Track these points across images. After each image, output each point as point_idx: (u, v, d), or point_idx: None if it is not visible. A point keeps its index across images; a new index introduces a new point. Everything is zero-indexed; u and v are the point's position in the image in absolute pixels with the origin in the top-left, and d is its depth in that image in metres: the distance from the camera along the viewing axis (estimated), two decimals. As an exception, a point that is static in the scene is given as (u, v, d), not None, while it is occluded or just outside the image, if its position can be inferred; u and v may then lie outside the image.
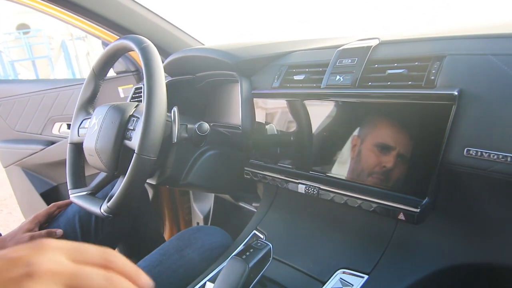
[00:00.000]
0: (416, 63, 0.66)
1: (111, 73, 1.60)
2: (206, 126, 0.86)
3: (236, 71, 0.95)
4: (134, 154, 0.76)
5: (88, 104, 1.04)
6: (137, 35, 0.85)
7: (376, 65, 0.71)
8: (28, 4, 1.37)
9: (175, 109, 0.85)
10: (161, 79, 0.77)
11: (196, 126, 0.86)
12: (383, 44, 0.75)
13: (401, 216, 0.61)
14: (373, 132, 0.70)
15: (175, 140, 0.83)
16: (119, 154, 0.84)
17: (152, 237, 1.37)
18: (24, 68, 10.99)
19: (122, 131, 0.84)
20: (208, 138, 0.94)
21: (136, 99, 1.29)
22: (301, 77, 0.83)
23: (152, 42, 1.37)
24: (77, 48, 9.68)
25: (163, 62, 1.13)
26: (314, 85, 0.80)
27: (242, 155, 0.96)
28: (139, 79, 1.56)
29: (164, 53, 1.35)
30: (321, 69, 0.80)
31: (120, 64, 1.55)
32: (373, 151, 0.68)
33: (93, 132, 0.88)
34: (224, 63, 0.94)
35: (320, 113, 0.79)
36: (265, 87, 0.90)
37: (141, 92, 1.29)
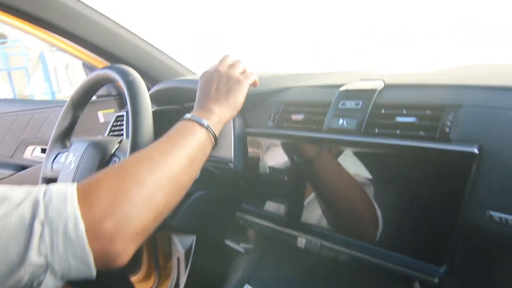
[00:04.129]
0: (427, 111, 0.61)
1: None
2: None
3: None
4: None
5: (65, 136, 0.95)
6: (123, 66, 0.78)
7: (383, 110, 0.66)
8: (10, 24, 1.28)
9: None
10: (148, 118, 0.70)
11: None
12: (389, 87, 0.70)
13: (417, 286, 0.55)
14: (381, 185, 0.64)
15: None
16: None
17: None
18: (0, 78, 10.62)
19: (102, 172, 0.75)
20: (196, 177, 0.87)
21: (117, 129, 1.21)
22: (299, 116, 0.77)
23: (139, 68, 1.31)
24: (56, 60, 9.46)
25: (149, 90, 1.06)
26: (314, 127, 0.74)
27: (233, 197, 0.88)
28: (122, 104, 1.48)
29: (151, 80, 1.28)
30: (321, 109, 0.75)
31: (105, 86, 1.47)
32: (383, 208, 0.63)
33: (69, 171, 0.80)
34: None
35: (321, 156, 0.73)
36: (260, 126, 0.84)
37: (123, 121, 1.21)
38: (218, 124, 0.63)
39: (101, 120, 1.51)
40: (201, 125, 0.60)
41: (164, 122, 1.15)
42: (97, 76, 0.84)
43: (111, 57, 1.25)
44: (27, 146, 1.68)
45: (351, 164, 0.68)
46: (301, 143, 0.75)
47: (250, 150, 0.85)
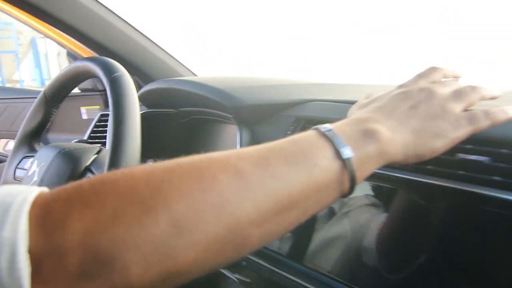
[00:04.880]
0: (504, 150, 0.46)
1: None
2: None
3: (234, 116, 0.73)
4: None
5: (33, 137, 0.79)
6: (108, 59, 0.62)
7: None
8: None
9: (151, 161, 0.62)
10: (135, 127, 0.54)
11: None
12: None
13: None
14: (431, 239, 0.50)
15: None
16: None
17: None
18: (-13, 61, 10.33)
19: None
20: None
21: (100, 130, 1.04)
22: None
23: (130, 62, 1.14)
24: (48, 47, 9.21)
25: (140, 89, 0.90)
26: (343, 153, 0.59)
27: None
28: (107, 100, 1.31)
29: (144, 78, 1.12)
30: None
31: (86, 81, 1.30)
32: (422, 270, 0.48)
33: (31, 183, 0.63)
34: (219, 103, 0.72)
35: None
36: (272, 144, 0.68)
37: (107, 121, 1.05)
38: (373, 160, 0.36)
39: (84, 116, 1.34)
40: (340, 152, 0.33)
41: (154, 128, 1.00)
42: (76, 69, 0.68)
43: (100, 48, 1.09)
44: (0, 139, 1.51)
45: (389, 207, 0.54)
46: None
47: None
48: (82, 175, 0.60)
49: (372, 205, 0.56)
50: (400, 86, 0.45)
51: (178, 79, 0.79)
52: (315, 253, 0.62)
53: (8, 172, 0.77)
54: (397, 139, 0.37)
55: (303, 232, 0.65)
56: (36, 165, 0.65)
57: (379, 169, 0.53)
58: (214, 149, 0.93)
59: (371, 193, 0.56)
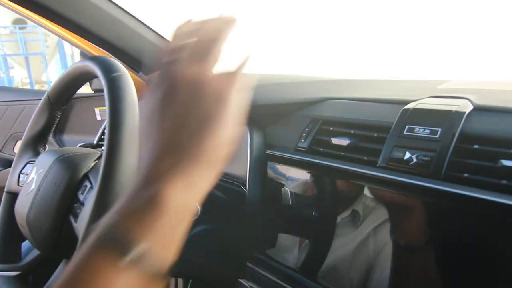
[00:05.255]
0: (557, 156, 0.39)
1: (88, 90, 1.33)
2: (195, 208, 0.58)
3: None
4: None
5: (38, 141, 0.75)
6: (108, 58, 0.58)
7: (477, 146, 0.44)
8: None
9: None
10: (132, 132, 0.49)
11: None
12: (481, 111, 0.48)
13: None
14: (464, 258, 0.43)
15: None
16: (61, 234, 0.56)
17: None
18: (17, 63, 10.67)
19: (68, 202, 0.55)
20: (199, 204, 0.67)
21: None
22: (343, 141, 0.56)
23: (142, 60, 1.10)
24: (74, 48, 9.41)
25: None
26: (365, 158, 0.53)
27: (245, 238, 0.67)
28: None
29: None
30: (376, 134, 0.54)
31: (97, 80, 1.27)
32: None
33: (29, 192, 0.60)
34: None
35: (373, 203, 0.51)
36: (286, 147, 0.63)
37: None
38: (169, 234, 0.27)
39: (98, 117, 1.32)
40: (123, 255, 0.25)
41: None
42: (77, 69, 0.65)
43: (111, 48, 1.05)
44: (17, 141, 1.51)
45: (420, 221, 0.47)
46: (344, 180, 0.54)
47: (271, 178, 0.64)
48: (80, 182, 0.56)
49: (395, 221, 0.49)
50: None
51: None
52: (331, 271, 0.56)
53: (13, 178, 0.75)
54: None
55: (320, 250, 0.59)
56: (35, 171, 0.61)
57: (411, 180, 0.47)
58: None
59: (395, 208, 0.49)
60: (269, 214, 0.64)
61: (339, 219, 0.56)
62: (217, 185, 0.84)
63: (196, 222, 0.67)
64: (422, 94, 0.61)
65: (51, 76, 10.10)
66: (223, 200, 0.73)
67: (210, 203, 0.72)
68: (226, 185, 0.81)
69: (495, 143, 0.43)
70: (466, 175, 0.43)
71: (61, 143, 1.37)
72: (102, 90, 1.30)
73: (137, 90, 0.55)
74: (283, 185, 0.62)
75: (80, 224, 0.51)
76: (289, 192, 0.63)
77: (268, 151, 0.63)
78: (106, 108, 0.52)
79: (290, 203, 0.62)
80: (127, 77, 0.55)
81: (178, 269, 0.65)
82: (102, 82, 0.55)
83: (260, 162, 0.64)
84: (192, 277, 0.74)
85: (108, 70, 0.55)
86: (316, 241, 0.59)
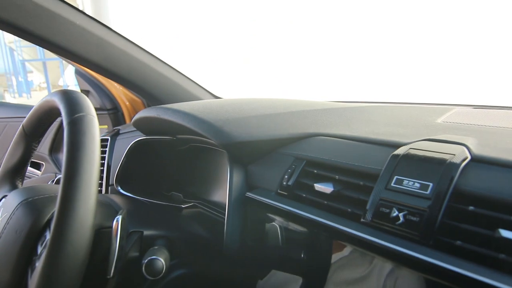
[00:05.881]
0: None
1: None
2: (159, 264, 0.53)
3: (226, 153, 0.63)
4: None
5: (15, 174, 0.72)
6: (75, 95, 0.54)
7: (472, 208, 0.38)
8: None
9: (119, 218, 0.53)
10: (89, 184, 0.45)
11: (145, 262, 0.53)
12: (480, 163, 0.42)
13: None
14: None
15: (111, 275, 0.51)
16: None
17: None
18: (35, 68, 10.91)
19: (27, 253, 0.51)
20: (175, 248, 0.62)
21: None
22: (327, 188, 0.50)
23: (140, 86, 1.06)
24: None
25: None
26: (349, 210, 0.47)
27: (227, 280, 0.63)
28: (117, 119, 1.25)
29: (152, 100, 1.05)
30: (362, 182, 0.48)
31: (94, 99, 1.25)
32: None
33: (-9, 238, 0.56)
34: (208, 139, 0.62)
35: (355, 263, 0.46)
36: (267, 189, 0.57)
37: (106, 146, 0.98)
38: None
39: (93, 136, 1.29)
40: None
41: (152, 156, 0.92)
42: (46, 104, 0.61)
43: (99, 68, 1.02)
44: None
45: (382, 283, 0.41)
46: (326, 235, 0.49)
47: (251, 220, 0.59)
48: (41, 231, 0.52)
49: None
50: None
51: (166, 107, 0.69)
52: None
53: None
54: None
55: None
56: (0, 214, 0.58)
57: (396, 247, 0.41)
58: (215, 178, 0.83)
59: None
60: (249, 258, 0.59)
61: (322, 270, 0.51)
62: (199, 213, 0.79)
63: (174, 267, 0.62)
64: (417, 131, 0.55)
65: (67, 80, 10.28)
66: (206, 239, 0.68)
67: (193, 243, 0.68)
68: (214, 210, 0.76)
69: (494, 207, 0.37)
70: (458, 243, 0.38)
71: (57, 162, 1.35)
72: (97, 109, 1.27)
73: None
74: (263, 231, 0.57)
75: (32, 283, 0.47)
76: (279, 230, 0.58)
77: (248, 194, 0.58)
78: (64, 153, 0.48)
79: (280, 242, 0.57)
80: (91, 119, 0.50)
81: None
82: (63, 121, 0.51)
83: (239, 203, 0.59)
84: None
85: (70, 110, 0.51)
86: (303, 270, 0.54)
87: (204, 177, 0.87)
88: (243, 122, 0.62)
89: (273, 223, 0.58)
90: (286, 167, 0.56)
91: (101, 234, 0.53)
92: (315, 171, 0.54)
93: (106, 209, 0.58)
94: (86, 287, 0.48)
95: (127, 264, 0.55)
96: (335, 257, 0.59)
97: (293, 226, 0.55)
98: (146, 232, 0.60)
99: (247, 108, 0.67)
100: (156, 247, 0.55)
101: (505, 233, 0.35)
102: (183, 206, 0.85)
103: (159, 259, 0.52)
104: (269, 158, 0.60)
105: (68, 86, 10.44)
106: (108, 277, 0.50)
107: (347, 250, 0.59)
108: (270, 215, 0.57)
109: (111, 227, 0.52)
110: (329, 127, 0.62)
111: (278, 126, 0.62)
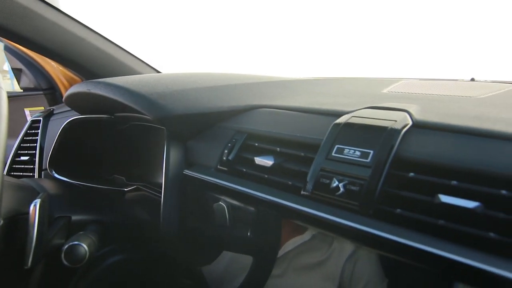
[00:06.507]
0: (504, 191, 0.31)
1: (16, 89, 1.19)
2: (81, 251, 0.48)
3: (164, 129, 0.58)
4: None
5: None
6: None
7: (412, 174, 0.36)
8: None
9: (36, 203, 0.47)
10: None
11: (64, 249, 0.48)
12: (421, 128, 0.40)
13: None
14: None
15: (29, 265, 0.45)
16: None
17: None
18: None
19: None
20: (111, 234, 0.57)
21: (30, 139, 0.89)
22: (267, 161, 0.47)
23: (75, 62, 0.97)
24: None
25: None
26: (290, 183, 0.44)
27: (169, 260, 0.59)
28: (54, 100, 1.15)
29: (90, 76, 0.96)
30: (303, 154, 0.45)
31: (27, 79, 1.14)
32: None
33: None
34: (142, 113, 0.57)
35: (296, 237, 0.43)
36: (207, 165, 0.53)
37: (38, 128, 0.90)
38: None
39: (29, 118, 1.18)
40: None
41: (90, 137, 0.85)
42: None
43: (28, 43, 0.92)
44: None
45: (341, 266, 0.39)
46: (267, 211, 0.45)
47: (190, 200, 0.55)
48: None
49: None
50: None
51: (97, 81, 0.63)
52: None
53: None
54: None
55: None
56: None
57: (335, 218, 0.39)
58: (159, 159, 0.78)
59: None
60: (188, 237, 0.55)
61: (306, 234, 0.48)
62: (143, 196, 0.74)
63: (107, 254, 0.57)
64: (361, 101, 0.53)
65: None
66: (145, 222, 0.64)
67: (132, 230, 0.63)
68: (156, 192, 0.72)
69: (434, 172, 0.35)
70: (398, 211, 0.36)
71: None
72: (32, 89, 1.17)
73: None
74: (217, 203, 0.53)
75: None
76: (226, 210, 0.55)
77: (186, 171, 0.54)
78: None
79: (228, 222, 0.54)
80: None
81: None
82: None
83: (177, 182, 0.54)
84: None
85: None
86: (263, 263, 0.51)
87: (148, 158, 0.82)
88: (180, 95, 0.57)
89: (220, 202, 0.54)
90: (227, 142, 0.53)
91: (18, 221, 0.47)
92: (256, 144, 0.50)
93: (25, 193, 0.51)
94: (2, 280, 0.42)
95: (52, 252, 0.49)
96: (294, 242, 0.57)
97: (240, 204, 0.52)
98: (74, 217, 0.54)
99: (186, 81, 0.62)
100: (81, 233, 0.50)
101: (444, 198, 0.33)
102: (125, 189, 0.79)
103: (81, 245, 0.47)
104: (209, 133, 0.56)
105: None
106: (26, 267, 0.44)
107: (308, 234, 0.56)
108: (212, 193, 0.53)
109: (29, 212, 0.47)
110: (273, 99, 0.59)
111: (219, 99, 0.57)
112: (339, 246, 0.52)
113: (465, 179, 0.34)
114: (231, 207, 0.51)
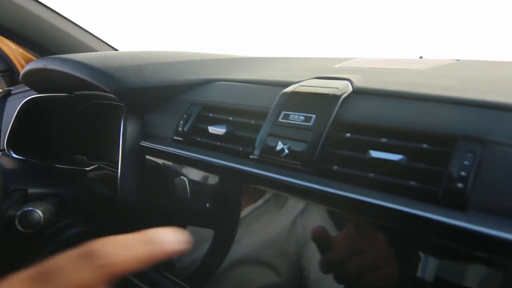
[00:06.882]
0: (425, 145, 0.35)
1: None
2: (36, 216, 0.49)
3: (122, 103, 0.59)
4: None
5: None
6: None
7: (349, 135, 0.40)
8: None
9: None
10: None
11: (18, 214, 0.49)
12: (360, 94, 0.43)
13: None
14: (333, 262, 0.38)
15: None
16: None
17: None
18: None
19: None
20: (69, 207, 0.58)
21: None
22: (220, 130, 0.49)
23: (31, 40, 0.95)
24: None
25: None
26: (241, 148, 0.47)
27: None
28: (12, 81, 1.13)
29: (46, 54, 0.94)
30: (253, 121, 0.48)
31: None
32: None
33: None
34: (100, 87, 0.57)
35: (248, 200, 0.46)
36: (163, 137, 0.55)
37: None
38: None
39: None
40: None
41: (49, 117, 0.84)
42: None
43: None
44: None
45: (291, 221, 0.42)
46: (220, 175, 0.48)
47: (147, 170, 0.56)
48: None
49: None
50: None
51: (53, 57, 0.63)
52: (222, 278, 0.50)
53: None
54: None
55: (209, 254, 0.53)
56: None
57: (280, 176, 0.42)
58: (118, 136, 0.79)
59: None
60: (144, 212, 0.57)
61: (221, 217, 0.50)
62: (106, 175, 0.75)
63: (67, 227, 0.58)
64: (311, 74, 0.56)
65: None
66: (105, 197, 0.65)
67: (90, 202, 0.64)
68: (115, 175, 0.72)
69: (367, 131, 0.39)
70: (335, 167, 0.39)
71: None
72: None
73: None
74: (160, 181, 0.55)
75: None
76: (187, 183, 0.56)
77: (143, 143, 0.55)
78: None
79: (167, 200, 0.55)
80: None
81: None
82: None
83: (135, 154, 0.56)
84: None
85: None
86: (197, 240, 0.53)
87: (108, 137, 0.82)
88: (137, 69, 0.58)
89: (181, 176, 0.56)
90: (183, 113, 0.54)
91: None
92: (211, 114, 0.52)
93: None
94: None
95: (8, 223, 0.50)
96: (249, 209, 0.60)
97: (201, 177, 0.54)
98: (31, 191, 0.55)
99: (143, 57, 0.63)
100: (36, 202, 0.51)
101: (374, 154, 0.37)
102: (87, 169, 0.79)
103: (35, 211, 0.48)
104: (166, 106, 0.57)
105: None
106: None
107: (261, 201, 0.59)
108: (169, 163, 0.55)
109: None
110: (228, 73, 0.60)
111: (175, 73, 0.59)
112: (290, 207, 0.54)
113: (393, 137, 0.37)
114: (191, 181, 0.53)
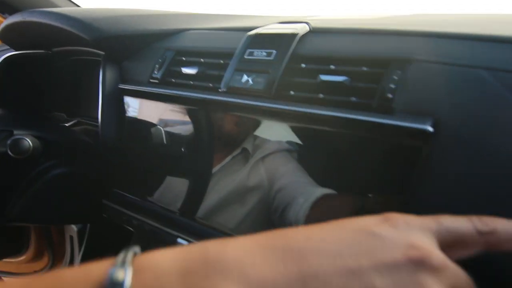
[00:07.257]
0: (364, 68, 0.42)
1: None
2: (25, 143, 0.53)
3: (101, 51, 0.63)
4: None
5: None
6: None
7: (303, 65, 0.46)
8: None
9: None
10: None
11: (9, 142, 0.53)
12: (315, 32, 0.49)
13: None
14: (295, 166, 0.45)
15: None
16: None
17: None
18: None
19: None
20: (53, 150, 0.62)
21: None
22: (192, 70, 0.55)
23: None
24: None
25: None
26: (211, 85, 0.52)
27: (102, 179, 0.65)
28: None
29: (11, 11, 0.96)
30: (222, 61, 0.53)
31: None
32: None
33: None
34: (78, 36, 0.61)
35: (221, 128, 0.52)
36: (140, 80, 0.60)
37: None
38: None
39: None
40: None
41: (28, 75, 0.87)
42: None
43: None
44: None
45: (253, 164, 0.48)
46: (194, 107, 0.53)
47: (126, 113, 0.61)
48: None
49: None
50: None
51: (32, 10, 0.66)
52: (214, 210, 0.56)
53: None
54: None
55: (182, 181, 0.59)
56: None
57: (247, 101, 0.48)
58: (97, 92, 0.83)
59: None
60: (124, 152, 0.62)
61: (195, 149, 0.56)
62: (85, 129, 0.79)
63: (52, 167, 0.63)
64: (276, 21, 0.62)
65: None
66: (85, 143, 0.69)
67: (71, 146, 0.68)
68: (92, 128, 0.77)
69: (317, 60, 0.45)
70: (292, 92, 0.45)
71: None
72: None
73: None
74: (138, 120, 0.60)
75: None
76: (144, 127, 0.60)
77: (121, 85, 0.60)
78: None
79: (147, 138, 0.60)
80: None
81: (34, 215, 0.62)
82: None
83: (113, 97, 0.60)
84: (52, 222, 0.71)
85: None
86: (173, 172, 0.59)
87: (88, 93, 0.86)
88: (115, 19, 0.62)
89: (158, 126, 0.61)
90: (157, 59, 0.59)
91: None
92: (184, 58, 0.57)
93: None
94: None
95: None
96: (217, 168, 0.65)
97: (176, 116, 0.59)
98: (16, 132, 0.59)
99: (119, 10, 0.67)
100: (23, 133, 0.55)
101: (323, 77, 0.43)
102: (66, 124, 0.83)
103: (24, 139, 0.52)
104: (142, 53, 0.62)
105: None
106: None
107: (228, 158, 0.64)
108: (147, 103, 0.59)
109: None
110: (199, 25, 0.65)
111: (151, 23, 0.63)
112: (254, 159, 0.59)
113: (340, 64, 0.43)
114: (167, 121, 0.58)
